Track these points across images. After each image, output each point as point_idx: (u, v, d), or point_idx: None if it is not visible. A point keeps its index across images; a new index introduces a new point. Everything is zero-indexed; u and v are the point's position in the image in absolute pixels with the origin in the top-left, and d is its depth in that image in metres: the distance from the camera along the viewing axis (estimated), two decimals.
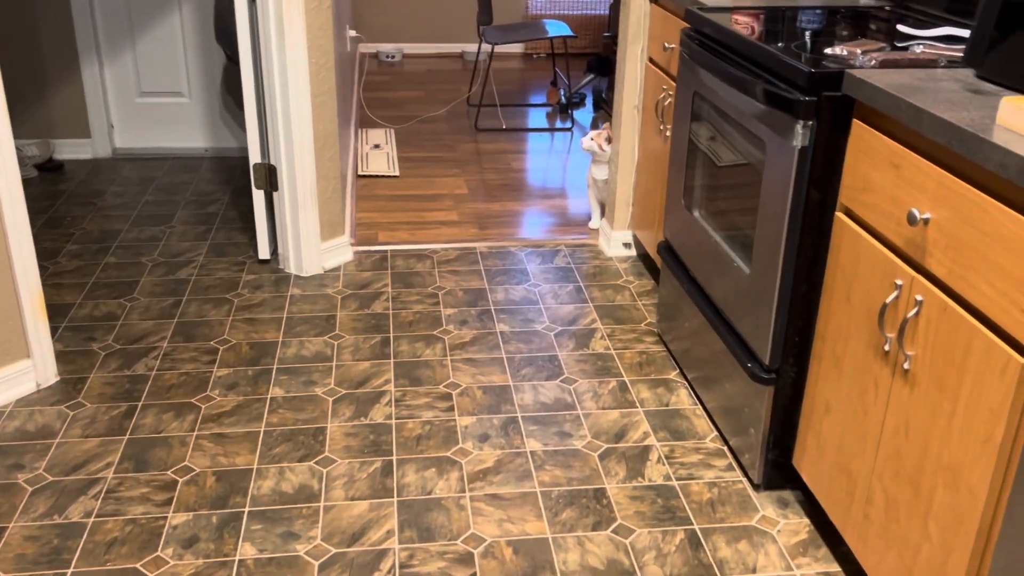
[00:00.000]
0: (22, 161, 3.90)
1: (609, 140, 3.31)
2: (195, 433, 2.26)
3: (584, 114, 5.16)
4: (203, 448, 2.20)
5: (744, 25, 2.18)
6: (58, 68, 4.03)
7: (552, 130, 4.86)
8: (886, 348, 1.61)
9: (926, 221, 1.49)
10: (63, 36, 3.98)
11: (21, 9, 3.90)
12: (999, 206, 1.31)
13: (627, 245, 3.32)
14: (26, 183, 3.81)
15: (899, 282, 1.56)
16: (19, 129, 4.09)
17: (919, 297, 1.51)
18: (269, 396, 2.41)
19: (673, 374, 2.57)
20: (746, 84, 1.99)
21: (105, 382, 2.46)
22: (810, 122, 1.77)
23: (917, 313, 1.51)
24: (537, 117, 5.08)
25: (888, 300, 1.58)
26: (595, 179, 3.42)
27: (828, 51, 1.87)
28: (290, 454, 2.19)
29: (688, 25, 2.44)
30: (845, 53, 1.83)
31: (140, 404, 2.37)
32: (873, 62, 1.75)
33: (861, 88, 1.66)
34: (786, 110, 1.81)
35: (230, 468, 2.14)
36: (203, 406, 2.37)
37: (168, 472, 2.12)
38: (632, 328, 2.81)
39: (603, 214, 3.48)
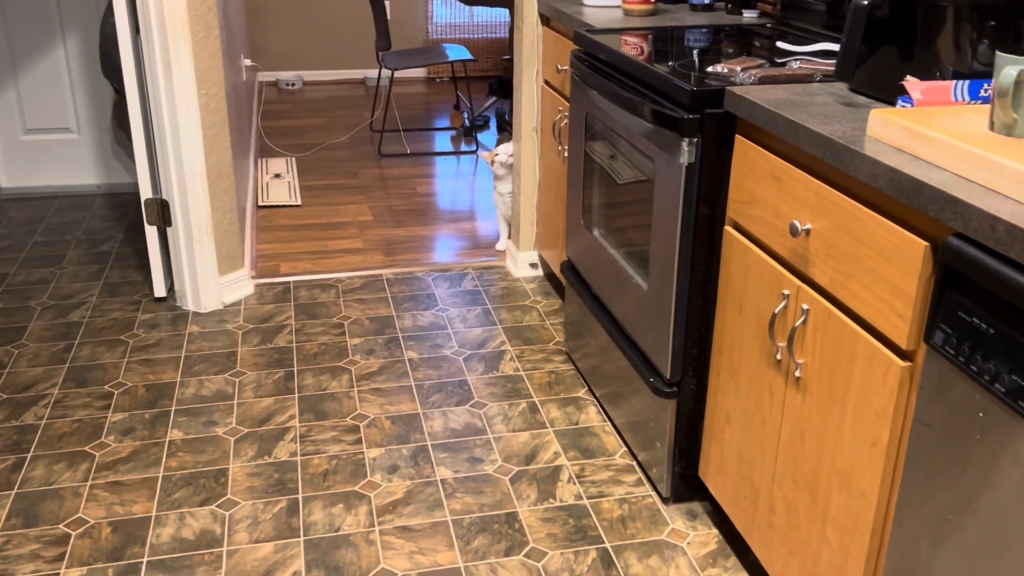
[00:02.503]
0: None
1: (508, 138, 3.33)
2: (89, 483, 2.16)
3: (488, 136, 5.18)
4: (98, 498, 2.11)
5: (633, 46, 2.21)
6: None
7: (457, 153, 4.86)
8: (778, 357, 1.65)
9: (807, 232, 1.53)
10: None
11: None
12: (872, 214, 1.36)
13: (533, 265, 3.34)
14: None
15: (786, 292, 1.60)
16: None
17: (805, 306, 1.54)
18: (167, 439, 2.33)
19: (582, 392, 2.57)
20: (633, 104, 2.01)
21: None
22: (695, 139, 1.80)
23: (804, 322, 1.55)
24: (442, 141, 5.07)
25: (777, 310, 1.61)
26: (501, 193, 3.40)
27: (710, 69, 1.91)
28: (190, 499, 2.11)
29: (578, 47, 2.47)
30: (726, 71, 1.87)
31: (29, 456, 2.26)
32: (752, 79, 1.80)
33: (740, 104, 1.70)
34: (671, 128, 1.84)
35: (127, 517, 2.05)
36: (97, 454, 2.27)
37: (60, 526, 2.02)
38: (541, 348, 2.81)
39: (510, 235, 3.49)
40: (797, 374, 1.58)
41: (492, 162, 3.34)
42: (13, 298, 3.08)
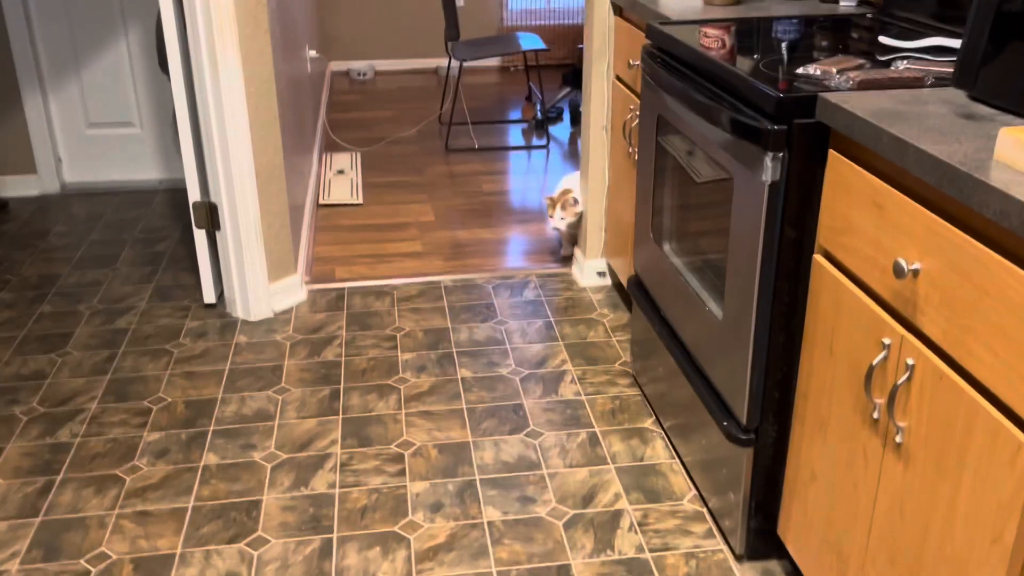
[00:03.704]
0: None
1: (574, 202, 3.06)
2: (116, 512, 2.03)
3: (561, 129, 4.95)
4: (123, 530, 1.98)
5: (714, 39, 1.96)
6: None
7: (528, 148, 4.65)
8: (875, 415, 1.39)
9: (915, 272, 1.27)
10: (1, 67, 3.76)
11: None
12: (1001, 261, 1.10)
13: (601, 274, 3.10)
14: None
15: (887, 341, 1.34)
16: None
17: (910, 360, 1.28)
18: (202, 464, 2.19)
19: (648, 422, 2.34)
20: (709, 110, 1.77)
21: (23, 452, 2.24)
22: (780, 154, 1.55)
23: (909, 379, 1.29)
24: (512, 134, 4.86)
25: (875, 361, 1.36)
26: (559, 228, 3.15)
27: (800, 71, 1.65)
28: (219, 534, 1.96)
29: (649, 41, 2.23)
30: (819, 72, 1.61)
31: (59, 478, 2.15)
32: (850, 83, 1.54)
33: (836, 115, 1.44)
34: (753, 140, 1.59)
35: (150, 554, 1.91)
36: (128, 478, 2.14)
37: (81, 561, 1.89)
38: (605, 369, 2.58)
39: (575, 242, 3.26)
40: (898, 439, 1.33)
41: (551, 215, 3.09)
42: (64, 301, 3.00)
